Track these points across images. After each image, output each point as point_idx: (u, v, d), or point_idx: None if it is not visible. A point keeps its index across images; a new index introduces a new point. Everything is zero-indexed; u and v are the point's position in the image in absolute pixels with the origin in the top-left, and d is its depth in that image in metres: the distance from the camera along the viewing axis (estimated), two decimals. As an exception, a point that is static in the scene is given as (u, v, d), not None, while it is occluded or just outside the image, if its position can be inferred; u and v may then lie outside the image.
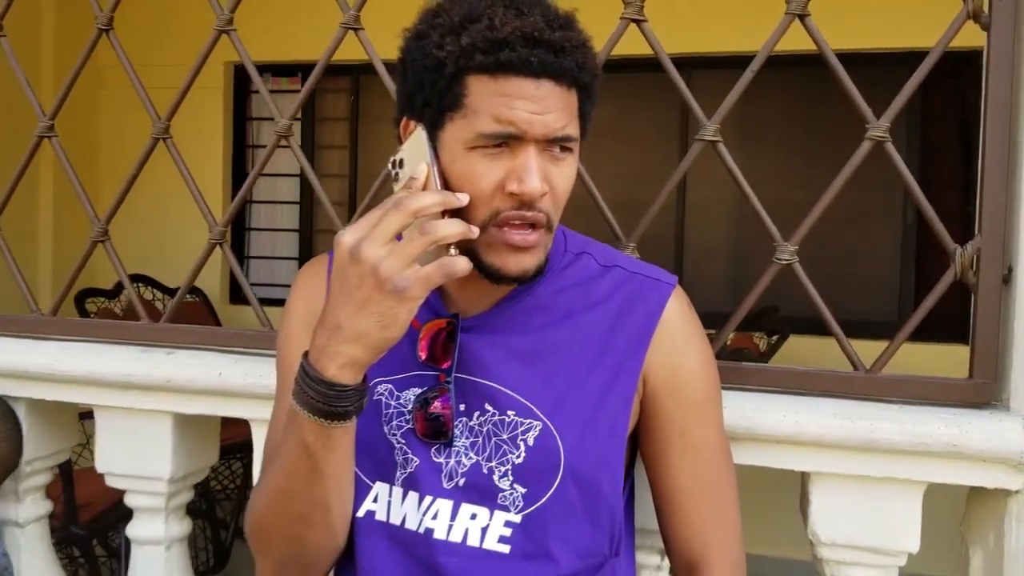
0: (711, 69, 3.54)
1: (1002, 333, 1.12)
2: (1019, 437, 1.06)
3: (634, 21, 1.23)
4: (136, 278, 3.94)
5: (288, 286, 4.59)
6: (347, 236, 0.85)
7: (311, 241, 4.53)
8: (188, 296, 3.94)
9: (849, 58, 1.24)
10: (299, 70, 4.43)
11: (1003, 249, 1.11)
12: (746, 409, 1.15)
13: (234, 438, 2.41)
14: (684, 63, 3.58)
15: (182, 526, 1.45)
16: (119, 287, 3.90)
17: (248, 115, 4.54)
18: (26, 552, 1.50)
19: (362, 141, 4.45)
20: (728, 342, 1.22)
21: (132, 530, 1.43)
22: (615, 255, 1.06)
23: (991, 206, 1.11)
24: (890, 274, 3.68)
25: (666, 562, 1.22)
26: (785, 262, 1.19)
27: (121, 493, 2.81)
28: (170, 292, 3.97)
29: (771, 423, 1.14)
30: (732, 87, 1.21)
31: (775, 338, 3.24)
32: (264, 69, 4.50)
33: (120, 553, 2.82)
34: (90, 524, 2.61)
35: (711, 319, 1.16)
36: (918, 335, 1.19)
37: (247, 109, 4.53)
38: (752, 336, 3.27)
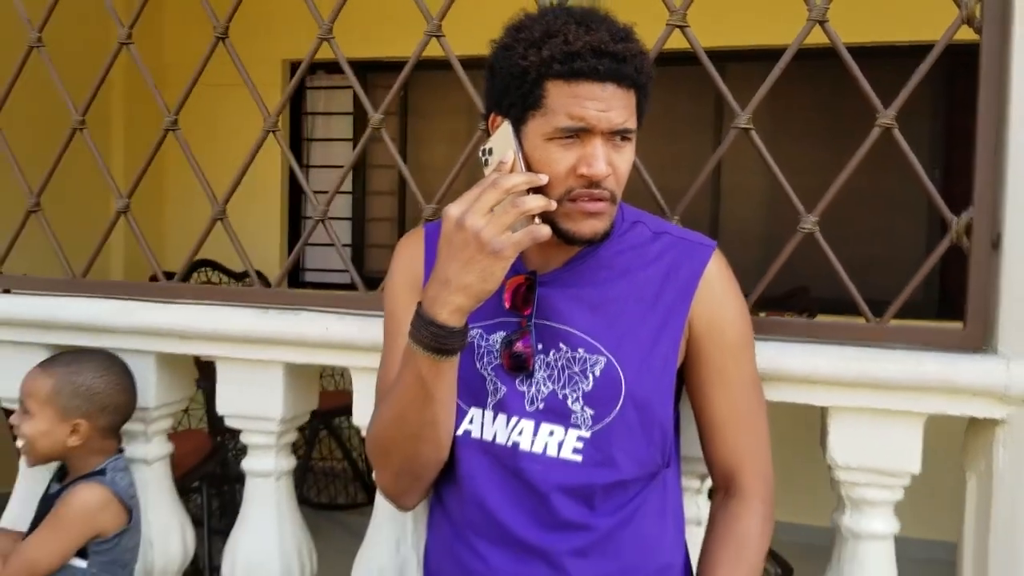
0: (743, 62, 3.74)
1: (991, 290, 1.33)
2: (1003, 374, 1.27)
3: (678, 27, 1.45)
4: (202, 263, 4.23)
5: (340, 271, 4.84)
6: (454, 209, 1.08)
7: (363, 229, 4.79)
8: (248, 279, 4.21)
9: (868, 51, 1.44)
10: (350, 67, 4.68)
11: (992, 219, 1.32)
12: (775, 355, 1.36)
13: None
14: (718, 56, 3.79)
15: (289, 461, 1.70)
16: (188, 274, 4.18)
17: (303, 110, 4.80)
18: (153, 486, 1.76)
19: (411, 135, 4.69)
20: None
21: (248, 464, 1.68)
22: (664, 224, 1.28)
23: (982, 182, 1.32)
24: (916, 257, 3.86)
25: (705, 484, 1.44)
26: (808, 230, 1.40)
27: (201, 457, 3.07)
28: (235, 276, 4.24)
29: (796, 366, 1.36)
30: (762, 78, 1.42)
31: (804, 316, 3.43)
32: (318, 67, 4.75)
33: (204, 514, 3.09)
34: (178, 483, 2.88)
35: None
36: (941, 314, 1.39)
37: (302, 105, 4.79)
38: (783, 315, 3.46)
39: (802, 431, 1.38)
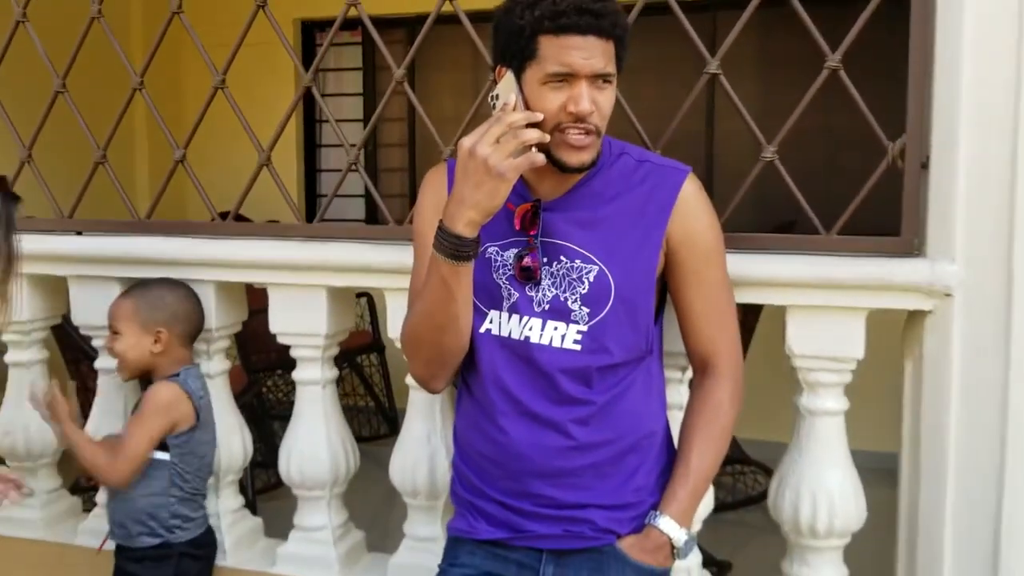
0: (733, 10, 3.94)
1: (921, 204, 1.59)
2: (929, 273, 1.54)
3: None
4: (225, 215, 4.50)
5: (355, 220, 5.10)
6: (467, 141, 1.33)
7: (376, 180, 5.04)
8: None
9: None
10: (358, 24, 4.89)
11: (921, 144, 1.58)
12: (744, 263, 1.61)
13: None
14: (710, 5, 4.00)
15: (333, 372, 1.98)
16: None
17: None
18: (216, 396, 2.04)
19: (419, 87, 4.92)
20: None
21: (298, 374, 1.96)
22: (646, 153, 1.53)
23: (913, 112, 1.57)
24: (895, 194, 4.11)
25: (686, 375, 1.71)
26: (768, 159, 1.66)
27: (239, 389, 3.35)
28: (257, 226, 4.50)
29: (760, 272, 1.62)
30: (754, 27, 1.64)
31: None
32: (328, 24, 4.96)
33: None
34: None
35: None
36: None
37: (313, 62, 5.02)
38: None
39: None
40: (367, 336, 4.51)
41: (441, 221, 1.36)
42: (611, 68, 1.36)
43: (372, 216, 5.04)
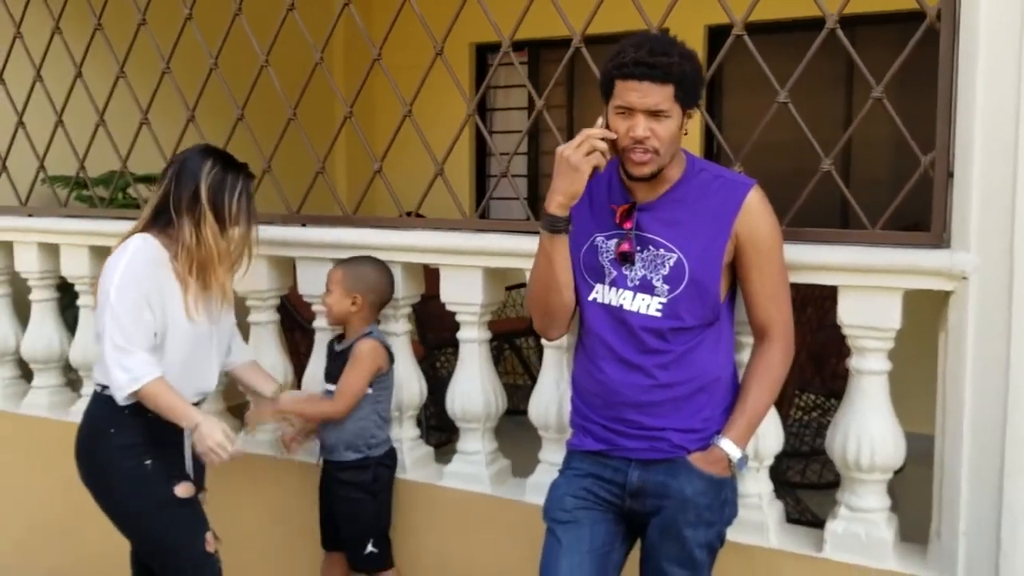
0: (874, 26, 4.23)
1: (948, 205, 1.97)
2: (949, 261, 1.92)
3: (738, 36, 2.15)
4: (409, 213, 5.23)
5: (517, 219, 5.70)
6: (560, 147, 1.86)
7: (536, 183, 5.64)
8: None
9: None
10: (525, 45, 5.50)
11: (947, 158, 1.96)
12: (803, 252, 2.05)
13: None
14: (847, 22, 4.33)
15: (487, 334, 2.57)
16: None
17: (487, 84, 5.68)
18: (399, 350, 2.66)
19: (577, 100, 5.47)
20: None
21: (461, 334, 2.56)
22: (721, 169, 2.00)
23: (941, 132, 1.96)
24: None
25: (757, 340, 2.16)
26: (826, 168, 2.09)
27: (419, 357, 3.97)
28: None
29: (816, 258, 2.05)
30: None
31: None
32: (497, 47, 5.60)
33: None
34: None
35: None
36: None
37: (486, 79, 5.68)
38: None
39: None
40: (525, 322, 5.10)
41: (543, 204, 1.90)
42: (665, 105, 1.82)
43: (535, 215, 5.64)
